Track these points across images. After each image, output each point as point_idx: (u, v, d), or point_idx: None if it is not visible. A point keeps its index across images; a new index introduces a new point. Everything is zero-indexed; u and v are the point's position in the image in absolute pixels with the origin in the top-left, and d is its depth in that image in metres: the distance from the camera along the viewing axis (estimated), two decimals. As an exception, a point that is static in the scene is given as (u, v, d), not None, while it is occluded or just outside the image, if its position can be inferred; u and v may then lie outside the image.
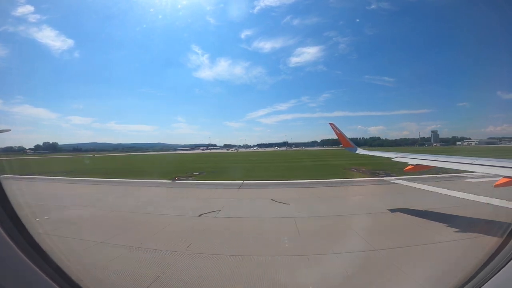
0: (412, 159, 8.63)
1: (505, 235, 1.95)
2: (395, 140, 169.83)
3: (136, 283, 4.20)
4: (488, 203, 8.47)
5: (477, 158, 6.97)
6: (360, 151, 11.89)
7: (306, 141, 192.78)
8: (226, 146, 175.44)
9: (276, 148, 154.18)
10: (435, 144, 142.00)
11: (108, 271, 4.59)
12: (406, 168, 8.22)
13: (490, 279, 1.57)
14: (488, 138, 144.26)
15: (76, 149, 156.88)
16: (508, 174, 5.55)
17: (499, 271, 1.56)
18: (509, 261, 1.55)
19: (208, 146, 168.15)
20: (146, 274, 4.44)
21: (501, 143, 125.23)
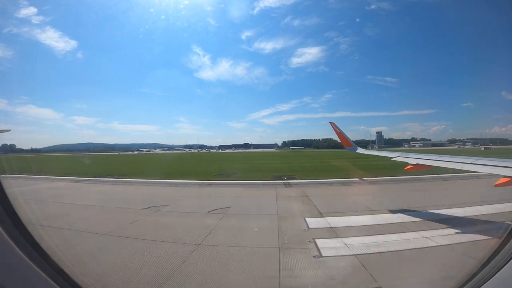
0: (412, 158, 8.59)
1: (504, 235, 1.95)
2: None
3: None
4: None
5: (478, 158, 6.93)
6: (361, 150, 11.91)
7: (269, 143, 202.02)
8: (202, 147, 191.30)
9: (209, 150, 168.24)
10: (375, 146, 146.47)
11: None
12: (406, 168, 8.19)
13: (490, 279, 1.57)
14: (446, 141, 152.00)
15: (35, 150, 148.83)
16: (509, 174, 5.52)
17: (499, 271, 1.56)
18: (509, 261, 1.55)
19: (172, 147, 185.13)
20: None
21: (453, 146, 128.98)
